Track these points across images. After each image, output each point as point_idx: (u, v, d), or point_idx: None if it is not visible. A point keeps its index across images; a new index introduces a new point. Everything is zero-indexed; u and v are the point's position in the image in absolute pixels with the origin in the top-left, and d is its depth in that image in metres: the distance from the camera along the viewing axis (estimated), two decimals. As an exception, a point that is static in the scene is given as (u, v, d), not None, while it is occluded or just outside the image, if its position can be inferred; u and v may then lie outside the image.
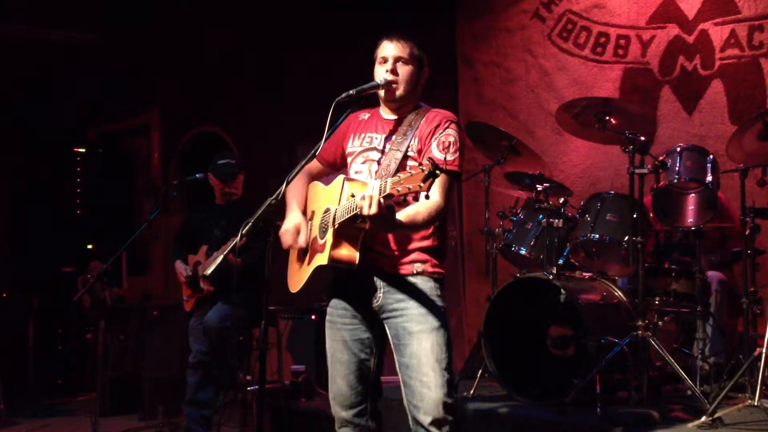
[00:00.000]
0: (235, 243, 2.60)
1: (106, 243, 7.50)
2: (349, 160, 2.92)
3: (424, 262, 2.74)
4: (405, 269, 2.73)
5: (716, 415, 3.37)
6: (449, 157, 2.67)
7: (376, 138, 2.86)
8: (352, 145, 2.91)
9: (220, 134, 7.35)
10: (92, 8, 6.86)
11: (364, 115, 2.96)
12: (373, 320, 2.79)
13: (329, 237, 2.64)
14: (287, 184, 2.70)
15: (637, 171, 3.91)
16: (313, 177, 3.01)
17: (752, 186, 4.00)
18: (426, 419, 2.62)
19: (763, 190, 4.22)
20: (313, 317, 5.62)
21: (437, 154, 2.69)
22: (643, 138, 3.96)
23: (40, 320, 7.02)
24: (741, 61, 5.04)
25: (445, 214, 2.77)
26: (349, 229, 2.62)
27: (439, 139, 2.72)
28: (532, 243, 4.40)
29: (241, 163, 4.97)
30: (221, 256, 2.72)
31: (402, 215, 2.56)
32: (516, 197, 4.86)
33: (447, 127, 2.74)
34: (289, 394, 5.17)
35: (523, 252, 4.42)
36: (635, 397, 3.76)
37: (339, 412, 2.83)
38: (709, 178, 3.91)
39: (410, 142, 2.76)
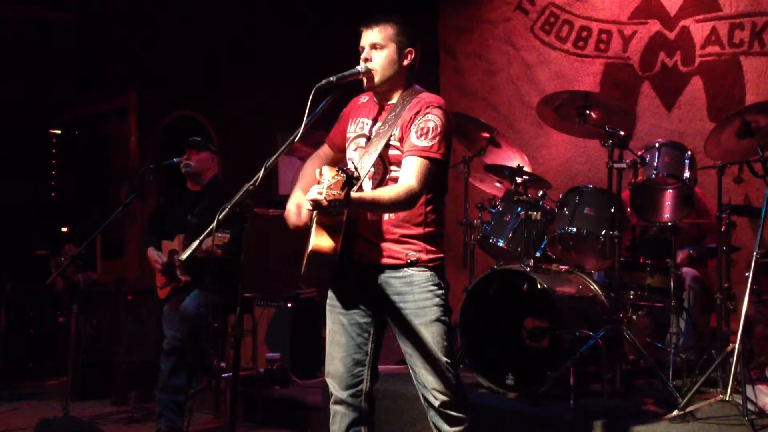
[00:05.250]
0: (212, 229, 2.57)
1: (80, 226, 7.42)
2: (347, 145, 2.92)
3: (418, 250, 2.74)
4: (398, 259, 2.74)
5: (688, 409, 3.40)
6: (427, 143, 2.66)
7: (367, 124, 2.85)
8: (350, 131, 2.91)
9: (199, 119, 7.28)
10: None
11: (363, 99, 2.95)
12: (372, 306, 2.82)
13: (312, 228, 2.66)
14: (265, 170, 2.67)
15: (615, 165, 3.93)
16: (325, 161, 2.98)
17: (729, 183, 4.03)
18: (436, 402, 2.74)
19: (739, 188, 4.26)
20: (289, 305, 5.60)
21: (415, 140, 2.68)
22: (622, 133, 3.97)
23: (13, 303, 6.94)
24: (721, 59, 5.07)
25: (440, 203, 2.81)
26: (328, 220, 2.63)
27: (418, 126, 2.70)
28: (510, 235, 4.41)
29: (211, 144, 4.91)
30: (197, 242, 2.67)
31: (369, 194, 2.58)
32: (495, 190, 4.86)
33: (427, 113, 2.71)
34: (264, 381, 5.15)
35: (500, 244, 4.43)
36: (608, 389, 3.79)
37: (335, 391, 2.85)
38: (687, 174, 3.93)
39: (393, 131, 2.74)
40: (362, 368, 2.83)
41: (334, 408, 2.86)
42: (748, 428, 3.17)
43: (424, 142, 2.67)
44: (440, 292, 2.76)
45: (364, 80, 2.79)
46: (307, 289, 5.81)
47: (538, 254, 4.28)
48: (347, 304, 2.84)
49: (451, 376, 2.74)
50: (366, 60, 2.77)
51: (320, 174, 2.45)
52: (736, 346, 3.38)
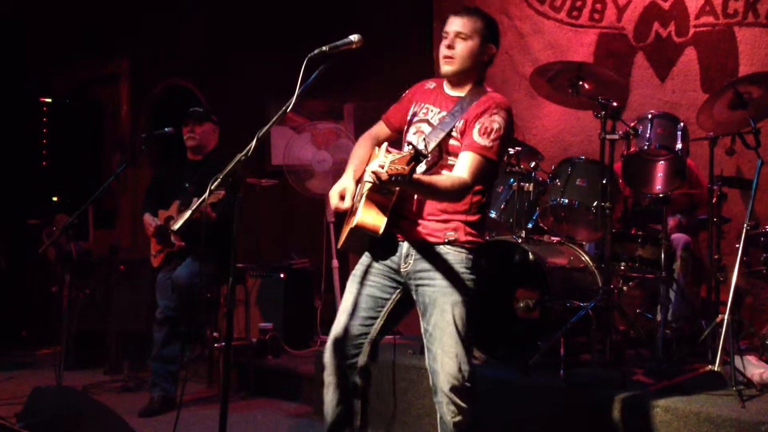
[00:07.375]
0: (204, 198, 2.57)
1: (72, 195, 7.39)
2: (407, 128, 2.95)
3: (455, 229, 2.78)
4: (437, 237, 2.78)
5: (677, 380, 3.43)
6: (487, 143, 2.72)
7: (432, 111, 2.90)
8: (411, 114, 2.95)
9: (191, 87, 7.23)
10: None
11: (430, 85, 3.00)
12: (397, 285, 2.85)
13: (362, 203, 2.70)
14: (258, 140, 2.66)
15: (608, 137, 3.92)
16: (380, 141, 3.01)
17: (721, 155, 4.03)
18: (445, 386, 2.74)
19: (731, 159, 4.26)
20: (282, 275, 5.61)
21: (477, 137, 2.73)
22: (615, 104, 3.96)
23: (4, 273, 6.93)
24: (715, 29, 5.04)
25: (488, 194, 2.87)
26: (379, 197, 2.67)
27: (482, 123, 2.75)
28: (502, 206, 4.41)
29: (211, 114, 4.90)
30: (189, 211, 2.68)
31: (426, 178, 2.61)
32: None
33: (495, 113, 2.77)
34: (257, 351, 5.18)
35: (492, 215, 4.43)
36: (598, 360, 3.81)
37: (332, 359, 2.87)
38: (679, 145, 3.92)
39: (456, 122, 2.78)
40: (364, 341, 2.85)
41: (328, 378, 2.89)
42: (736, 398, 3.20)
43: (485, 141, 2.72)
44: (471, 276, 2.79)
45: (442, 64, 2.85)
46: (300, 260, 5.83)
47: (530, 225, 4.28)
48: (373, 277, 2.87)
49: (465, 360, 2.76)
50: (449, 47, 2.83)
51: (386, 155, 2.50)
52: (726, 317, 3.40)
